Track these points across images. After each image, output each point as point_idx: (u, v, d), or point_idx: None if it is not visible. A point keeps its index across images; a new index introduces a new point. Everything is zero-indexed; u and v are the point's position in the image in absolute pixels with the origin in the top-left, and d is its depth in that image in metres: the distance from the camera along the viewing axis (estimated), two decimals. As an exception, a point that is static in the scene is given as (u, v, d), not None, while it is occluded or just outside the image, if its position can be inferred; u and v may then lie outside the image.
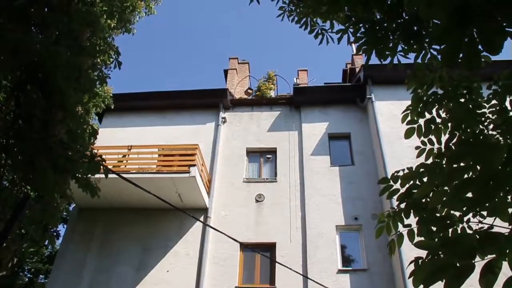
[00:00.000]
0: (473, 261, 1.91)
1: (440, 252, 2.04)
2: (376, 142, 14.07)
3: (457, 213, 2.80)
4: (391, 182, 3.91)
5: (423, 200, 3.51)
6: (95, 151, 6.07)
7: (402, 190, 3.79)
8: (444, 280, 1.99)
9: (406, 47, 4.05)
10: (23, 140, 5.28)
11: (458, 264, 1.92)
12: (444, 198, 2.52)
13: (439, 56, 4.14)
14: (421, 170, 3.32)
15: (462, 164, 2.18)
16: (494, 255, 1.92)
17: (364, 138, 14.87)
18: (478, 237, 1.94)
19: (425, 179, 3.31)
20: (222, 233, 8.58)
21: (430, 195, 3.02)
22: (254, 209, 13.61)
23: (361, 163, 14.27)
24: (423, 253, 2.69)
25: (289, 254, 12.32)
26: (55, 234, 15.76)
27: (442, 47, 2.21)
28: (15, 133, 5.40)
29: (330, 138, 15.17)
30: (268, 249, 12.72)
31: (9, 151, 5.68)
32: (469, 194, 2.21)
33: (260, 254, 12.39)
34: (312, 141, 15.00)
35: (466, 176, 2.15)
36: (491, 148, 2.08)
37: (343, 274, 12.09)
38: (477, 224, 2.84)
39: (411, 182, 3.70)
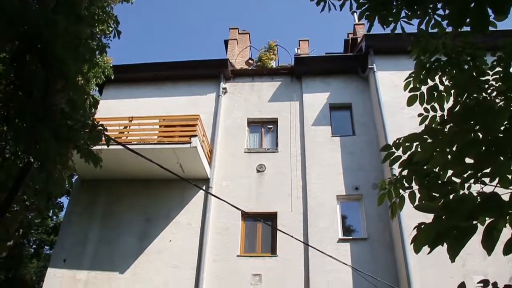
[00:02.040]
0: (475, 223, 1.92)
1: (441, 216, 2.05)
2: (377, 112, 14.03)
3: (458, 181, 2.80)
4: (393, 149, 3.91)
5: (425, 167, 3.51)
6: (96, 122, 6.04)
7: (404, 157, 3.79)
8: (446, 243, 2.01)
9: (409, 13, 3.99)
10: (24, 111, 5.26)
11: (460, 226, 1.92)
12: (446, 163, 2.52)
13: (443, 23, 4.08)
14: (424, 136, 3.31)
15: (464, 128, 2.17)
16: (495, 218, 1.93)
17: (365, 108, 14.82)
18: (480, 199, 1.94)
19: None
20: (225, 201, 8.65)
21: (432, 159, 3.01)
22: (255, 179, 13.68)
23: (362, 134, 14.27)
24: (424, 221, 2.70)
25: (290, 223, 12.44)
26: (59, 204, 15.89)
27: (448, 11, 2.17)
28: (16, 104, 5.38)
29: (331, 108, 15.12)
30: (269, 218, 12.85)
31: (10, 123, 5.66)
32: (471, 161, 2.21)
33: (262, 223, 12.52)
34: (313, 112, 14.96)
35: (468, 139, 2.14)
36: (494, 112, 2.07)
37: (343, 243, 12.23)
38: (479, 191, 2.84)
39: (413, 149, 3.70)
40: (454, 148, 2.32)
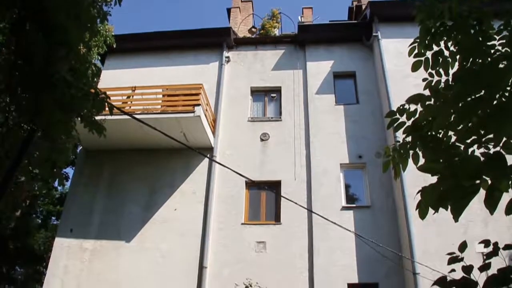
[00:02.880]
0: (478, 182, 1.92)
1: (444, 177, 2.05)
2: (381, 80, 13.92)
3: (462, 146, 2.80)
4: (398, 115, 3.89)
5: (429, 133, 3.50)
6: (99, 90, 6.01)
7: (408, 123, 3.77)
8: (449, 205, 2.02)
9: (414, -23, 3.90)
10: (25, 80, 5.24)
11: (463, 186, 1.93)
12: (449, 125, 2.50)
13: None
14: (428, 97, 3.28)
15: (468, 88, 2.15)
16: (499, 177, 1.93)
17: (369, 76, 14.70)
18: (484, 159, 1.94)
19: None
20: (229, 168, 8.68)
21: (435, 121, 2.98)
22: (259, 148, 13.71)
23: (366, 102, 14.20)
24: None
25: (293, 191, 12.51)
26: (64, 175, 15.99)
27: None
28: (17, 73, 5.35)
29: (335, 76, 15.01)
30: (273, 187, 12.92)
31: (12, 93, 5.65)
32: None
33: (266, 191, 12.61)
34: (317, 80, 14.85)
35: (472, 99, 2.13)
36: (499, 72, 2.04)
37: (346, 211, 12.33)
38: (482, 152, 2.83)
39: (417, 115, 3.67)
40: (458, 110, 2.30)
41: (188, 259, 12.08)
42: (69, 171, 19.23)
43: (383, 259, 11.16)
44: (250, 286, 8.97)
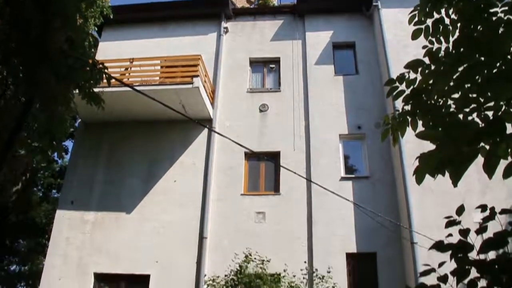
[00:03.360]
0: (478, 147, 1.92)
1: (443, 143, 2.05)
2: (381, 51, 13.80)
3: (461, 116, 2.79)
4: (397, 84, 3.87)
5: (428, 102, 3.48)
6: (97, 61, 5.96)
7: (408, 92, 3.76)
8: (447, 171, 2.03)
9: None
10: (22, 51, 5.20)
11: (462, 151, 1.93)
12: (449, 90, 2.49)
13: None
14: (427, 63, 3.26)
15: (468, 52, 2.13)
16: (498, 141, 1.93)
17: (369, 47, 14.57)
18: (483, 124, 1.94)
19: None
20: (229, 138, 8.71)
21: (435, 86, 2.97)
22: (258, 119, 13.68)
23: (366, 72, 14.12)
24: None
25: (292, 162, 12.54)
26: (63, 147, 16.01)
27: None
28: (14, 44, 5.30)
29: (334, 47, 14.86)
30: (272, 158, 12.95)
31: (9, 64, 5.60)
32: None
33: (265, 162, 12.66)
34: (316, 50, 14.72)
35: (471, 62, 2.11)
36: (499, 38, 2.02)
37: (345, 181, 12.40)
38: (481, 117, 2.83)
39: (417, 84, 3.66)
40: (457, 76, 2.29)
41: (188, 229, 12.21)
42: (69, 144, 19.24)
43: (381, 229, 11.29)
44: (250, 255, 9.08)
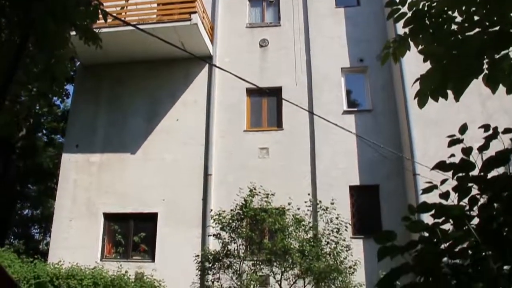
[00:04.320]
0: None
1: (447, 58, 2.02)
2: (383, -21, 13.37)
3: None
4: (399, 6, 3.76)
5: (428, 23, 3.39)
6: None
7: (409, 14, 3.66)
8: (449, 87, 2.01)
9: None
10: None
11: (466, 64, 1.90)
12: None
13: None
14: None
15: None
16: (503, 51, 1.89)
17: (370, -24, 14.07)
18: (490, 35, 1.89)
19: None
20: (232, 73, 8.63)
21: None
22: (259, 54, 13.49)
23: (367, 4, 13.71)
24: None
25: (294, 97, 12.42)
26: (63, 92, 15.95)
27: None
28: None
29: (334, -23, 14.37)
30: (274, 93, 12.86)
31: (3, 8, 5.46)
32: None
33: (267, 98, 12.62)
34: (316, -19, 14.24)
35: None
36: None
37: (348, 115, 12.39)
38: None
39: (420, 6, 3.55)
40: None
41: (193, 167, 12.37)
42: (69, 88, 19.13)
43: (384, 162, 11.38)
44: (254, 189, 9.21)
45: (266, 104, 13.11)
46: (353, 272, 8.90)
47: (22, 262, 10.44)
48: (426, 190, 2.34)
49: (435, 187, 2.33)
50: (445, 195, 2.33)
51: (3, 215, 15.85)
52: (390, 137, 11.90)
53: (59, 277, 9.83)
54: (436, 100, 2.65)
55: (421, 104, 2.69)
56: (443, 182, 2.45)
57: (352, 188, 11.81)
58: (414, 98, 2.75)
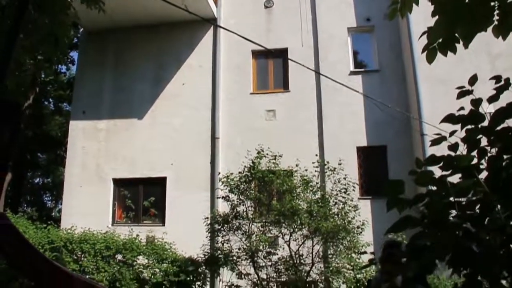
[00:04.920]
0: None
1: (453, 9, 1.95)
2: None
3: None
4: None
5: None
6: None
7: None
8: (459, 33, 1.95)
9: None
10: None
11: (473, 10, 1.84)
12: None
13: None
14: None
15: None
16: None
17: None
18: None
19: None
20: (237, 34, 8.53)
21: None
22: (264, 15, 13.24)
23: (373, -40, 13.32)
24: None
25: (301, 58, 12.20)
26: (68, 58, 15.90)
27: None
28: None
29: None
30: (280, 54, 12.69)
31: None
32: None
33: (273, 59, 12.51)
34: None
35: None
36: None
37: (355, 76, 12.26)
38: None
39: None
40: None
41: (200, 131, 12.39)
42: (74, 55, 19.03)
43: (391, 122, 11.29)
44: (262, 151, 9.21)
45: (272, 66, 12.98)
46: (361, 232, 8.97)
47: (36, 228, 10.65)
48: (435, 142, 2.31)
49: (443, 138, 2.30)
50: (453, 147, 2.30)
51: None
52: (397, 98, 11.77)
53: (72, 242, 10.04)
54: (445, 54, 2.60)
55: (430, 59, 2.63)
56: (451, 134, 2.42)
57: (360, 149, 11.79)
58: (422, 53, 2.69)
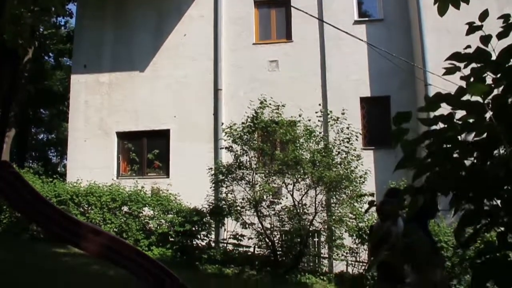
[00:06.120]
0: None
1: None
2: None
3: None
4: None
5: None
6: None
7: None
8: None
9: None
10: None
11: None
12: None
13: None
14: None
15: None
16: None
17: None
18: None
19: None
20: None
21: None
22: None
23: None
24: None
25: (303, 7, 11.94)
26: (65, 10, 15.59)
27: None
28: None
29: None
30: (283, 3, 12.49)
31: None
32: None
33: (276, 8, 12.28)
34: None
35: None
36: None
37: (359, 25, 12.06)
38: None
39: None
40: None
41: (203, 82, 12.30)
42: (72, 8, 18.61)
43: (395, 73, 11.15)
44: (265, 101, 9.18)
45: (275, 16, 12.73)
46: (363, 182, 9.05)
47: (43, 182, 10.76)
48: (448, 72, 2.28)
49: (457, 68, 2.26)
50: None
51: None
52: (402, 47, 11.56)
53: (78, 195, 10.18)
54: (458, 7, 2.54)
55: (442, 11, 2.56)
56: (465, 66, 2.38)
57: (363, 100, 11.74)
58: (434, 4, 2.61)
